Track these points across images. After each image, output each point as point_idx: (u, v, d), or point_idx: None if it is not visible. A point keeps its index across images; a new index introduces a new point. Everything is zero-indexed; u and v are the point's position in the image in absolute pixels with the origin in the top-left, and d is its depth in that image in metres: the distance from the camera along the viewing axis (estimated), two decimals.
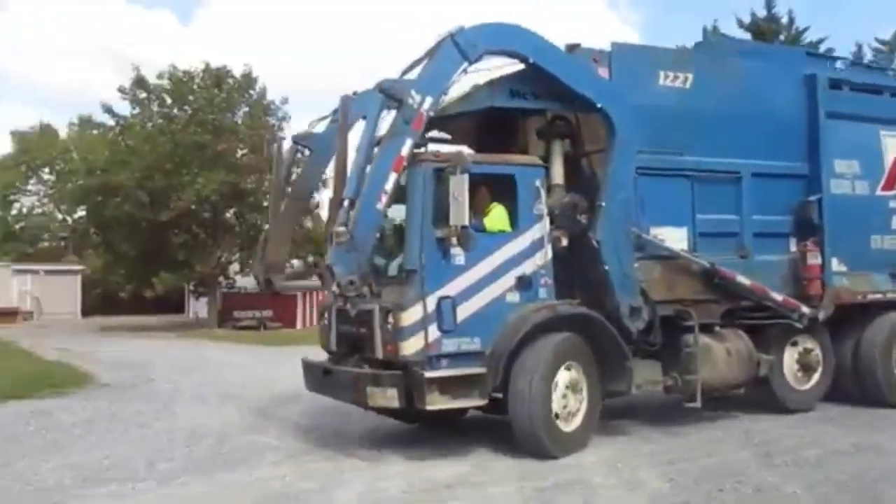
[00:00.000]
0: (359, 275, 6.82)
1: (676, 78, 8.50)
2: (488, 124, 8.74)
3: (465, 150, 8.34)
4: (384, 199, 6.95)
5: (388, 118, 7.19)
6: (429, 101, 7.14)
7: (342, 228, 6.81)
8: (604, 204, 7.87)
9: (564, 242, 7.91)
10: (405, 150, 7.05)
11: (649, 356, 8.27)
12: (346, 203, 6.97)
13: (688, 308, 8.34)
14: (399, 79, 7.39)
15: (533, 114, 8.44)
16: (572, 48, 8.11)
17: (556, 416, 7.38)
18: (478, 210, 7.77)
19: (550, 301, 7.71)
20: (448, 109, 7.68)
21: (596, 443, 7.72)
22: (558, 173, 8.24)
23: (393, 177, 6.99)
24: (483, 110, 8.11)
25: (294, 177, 9.54)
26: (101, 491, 6.63)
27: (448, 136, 9.12)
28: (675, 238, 8.47)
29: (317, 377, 8.28)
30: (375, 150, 7.18)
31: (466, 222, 7.00)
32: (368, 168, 7.07)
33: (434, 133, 8.85)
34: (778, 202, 9.12)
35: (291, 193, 9.25)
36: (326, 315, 8.45)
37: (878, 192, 9.76)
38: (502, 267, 7.53)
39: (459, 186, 6.96)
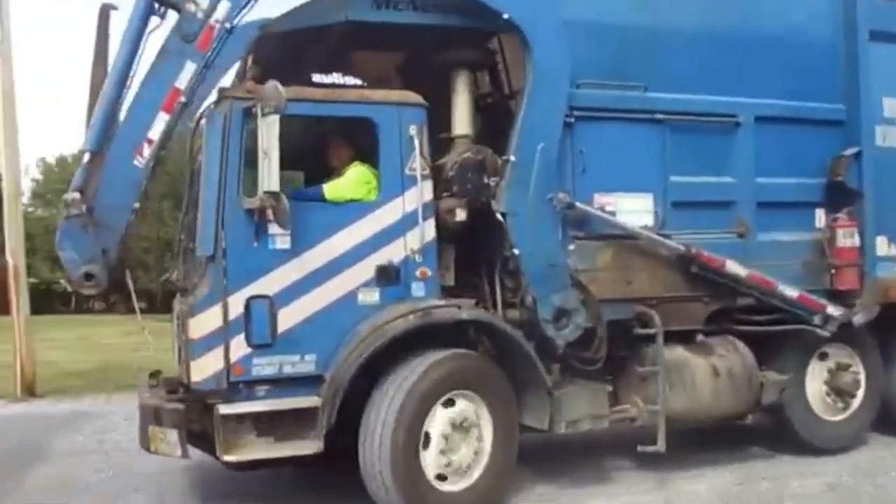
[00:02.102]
0: (102, 263, 4.63)
1: None
2: (418, 65, 6.31)
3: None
4: (147, 151, 4.72)
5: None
6: (223, 8, 4.87)
7: (75, 195, 4.60)
8: (513, 159, 5.43)
9: (461, 216, 5.48)
10: (182, 79, 4.79)
11: (595, 378, 5.80)
12: (86, 158, 4.75)
13: (649, 310, 5.81)
14: None
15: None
16: None
17: (427, 468, 5.05)
18: (331, 170, 5.47)
19: (429, 301, 5.31)
20: (277, 25, 5.32)
21: None
22: (462, 119, 5.79)
23: (162, 118, 4.77)
24: (398, 41, 5.79)
25: None
26: None
27: (358, 81, 6.84)
28: (633, 209, 5.89)
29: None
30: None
31: (276, 188, 4.69)
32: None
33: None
34: (795, 159, 6.38)
35: None
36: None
37: None
38: (353, 252, 5.14)
39: (268, 134, 4.65)
